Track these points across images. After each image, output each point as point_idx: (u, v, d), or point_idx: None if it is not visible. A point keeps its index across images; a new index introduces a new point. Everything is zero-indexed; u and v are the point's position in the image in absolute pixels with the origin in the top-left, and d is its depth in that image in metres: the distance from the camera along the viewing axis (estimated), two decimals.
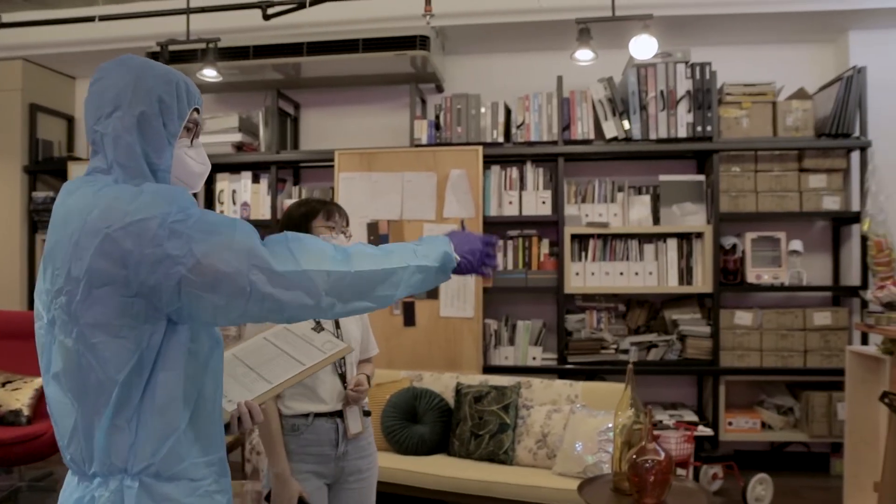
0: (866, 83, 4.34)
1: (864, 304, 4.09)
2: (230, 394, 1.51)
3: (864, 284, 4.32)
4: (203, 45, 4.28)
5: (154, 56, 4.31)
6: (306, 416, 2.13)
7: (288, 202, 4.79)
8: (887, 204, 4.25)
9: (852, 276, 4.48)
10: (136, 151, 1.29)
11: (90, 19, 4.37)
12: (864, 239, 4.28)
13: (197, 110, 1.38)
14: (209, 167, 1.44)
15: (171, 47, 4.38)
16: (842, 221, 4.59)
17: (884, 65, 4.47)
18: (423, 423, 3.75)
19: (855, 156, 4.44)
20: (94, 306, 1.19)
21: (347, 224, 2.20)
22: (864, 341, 4.18)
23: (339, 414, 2.17)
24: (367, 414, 2.25)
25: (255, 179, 4.86)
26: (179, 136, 1.35)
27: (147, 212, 1.19)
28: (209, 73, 4.27)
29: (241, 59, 4.53)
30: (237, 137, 4.81)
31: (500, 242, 4.62)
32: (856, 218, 4.37)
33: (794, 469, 4.56)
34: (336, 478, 2.19)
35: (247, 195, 4.83)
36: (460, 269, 1.47)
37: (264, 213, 4.80)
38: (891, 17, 4.38)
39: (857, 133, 4.37)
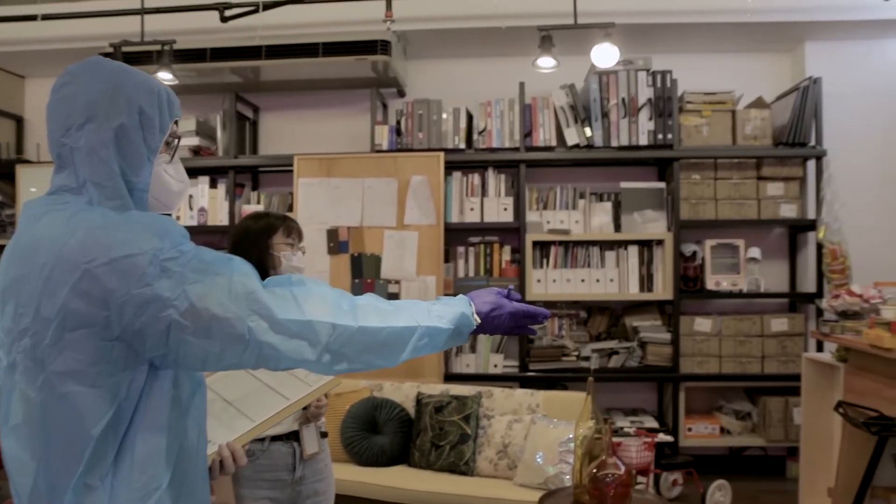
0: (821, 93, 4.40)
1: (820, 310, 4.15)
2: (210, 434, 1.37)
3: (820, 291, 4.39)
4: (158, 47, 4.17)
5: (107, 57, 4.19)
6: (262, 440, 2.05)
7: (247, 208, 4.71)
8: (842, 212, 4.34)
9: (808, 283, 4.55)
10: (114, 169, 1.15)
11: (32, 18, 4.22)
12: (819, 246, 4.35)
13: (176, 122, 1.25)
14: (188, 185, 1.33)
15: (125, 48, 4.26)
16: (798, 229, 4.65)
17: (838, 76, 4.55)
18: (383, 433, 3.71)
19: (811, 164, 4.51)
20: (65, 351, 1.05)
21: (301, 239, 2.14)
22: (820, 348, 4.24)
23: (296, 435, 2.10)
24: (324, 435, 2.18)
25: (213, 184, 4.76)
26: (160, 152, 1.22)
27: (135, 246, 1.06)
28: (164, 76, 4.16)
29: (197, 62, 4.43)
30: (194, 141, 4.71)
31: (463, 250, 4.60)
32: (812, 226, 4.44)
33: (752, 473, 4.61)
34: (293, 502, 2.13)
35: (204, 201, 4.73)
36: (484, 330, 1.33)
37: (222, 218, 4.70)
38: (845, 29, 4.46)
39: (812, 142, 4.44)
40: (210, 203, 4.73)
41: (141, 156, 1.18)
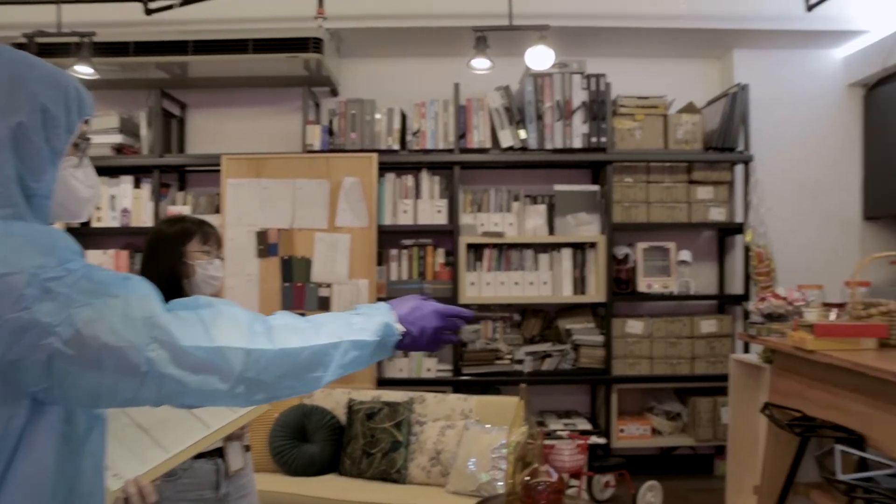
0: (748, 100, 4.50)
1: (747, 312, 4.23)
2: (116, 465, 1.23)
3: (747, 293, 4.49)
4: (77, 39, 3.98)
5: (20, 49, 3.97)
6: None
7: (172, 209, 4.54)
8: (768, 216, 4.44)
9: (736, 285, 4.64)
10: (7, 173, 1.00)
11: None
12: (747, 249, 4.45)
13: (87, 121, 1.10)
14: (99, 190, 1.17)
15: (40, 39, 4.05)
16: (727, 232, 4.75)
17: (765, 83, 4.66)
18: (313, 442, 3.61)
19: (739, 169, 4.60)
20: None
21: (220, 247, 2.03)
22: (747, 349, 4.33)
23: (220, 452, 1.99)
24: (247, 449, 2.08)
25: (137, 184, 4.57)
26: (66, 154, 1.07)
27: (12, 264, 0.92)
28: (84, 70, 3.98)
29: (120, 56, 4.23)
30: (117, 139, 4.51)
31: (396, 252, 4.53)
32: (739, 229, 4.54)
33: (681, 471, 4.68)
34: None
35: (127, 201, 4.53)
36: (405, 344, 1.23)
37: (146, 220, 4.51)
38: (771, 38, 4.56)
39: (741, 147, 4.53)
40: (134, 203, 4.54)
41: (43, 159, 1.04)
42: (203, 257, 1.95)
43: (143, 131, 4.62)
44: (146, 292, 1.00)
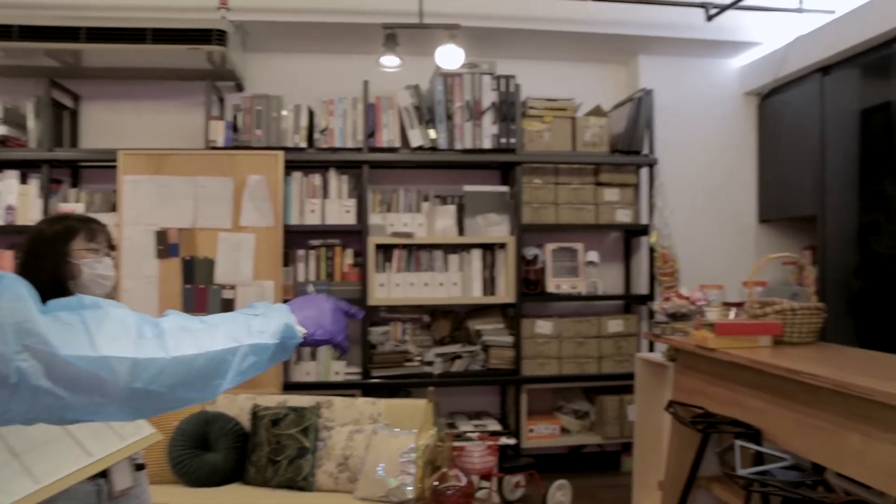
0: (653, 105, 4.62)
1: (652, 312, 4.33)
2: None
3: (652, 293, 4.59)
4: None
5: None
6: None
7: (64, 206, 4.27)
8: (671, 219, 4.56)
9: (641, 286, 4.75)
10: None
11: None
12: (651, 250, 4.55)
13: None
14: None
15: None
16: (632, 233, 4.85)
17: (668, 89, 4.79)
18: (215, 450, 3.45)
19: (644, 172, 4.71)
20: None
21: (111, 246, 1.89)
22: (652, 348, 4.43)
23: (102, 471, 1.77)
24: (139, 467, 1.88)
25: (23, 179, 4.28)
26: None
27: None
28: None
29: (2, 41, 3.94)
30: (0, 130, 4.20)
31: (303, 253, 4.41)
32: (644, 230, 4.65)
33: (590, 469, 4.76)
34: None
35: (12, 197, 4.23)
36: (308, 342, 1.18)
37: (34, 217, 4.21)
38: (674, 46, 4.69)
39: (645, 151, 4.64)
40: (20, 200, 4.25)
41: None
42: (90, 256, 1.80)
43: (31, 123, 4.32)
44: (20, 293, 0.88)
